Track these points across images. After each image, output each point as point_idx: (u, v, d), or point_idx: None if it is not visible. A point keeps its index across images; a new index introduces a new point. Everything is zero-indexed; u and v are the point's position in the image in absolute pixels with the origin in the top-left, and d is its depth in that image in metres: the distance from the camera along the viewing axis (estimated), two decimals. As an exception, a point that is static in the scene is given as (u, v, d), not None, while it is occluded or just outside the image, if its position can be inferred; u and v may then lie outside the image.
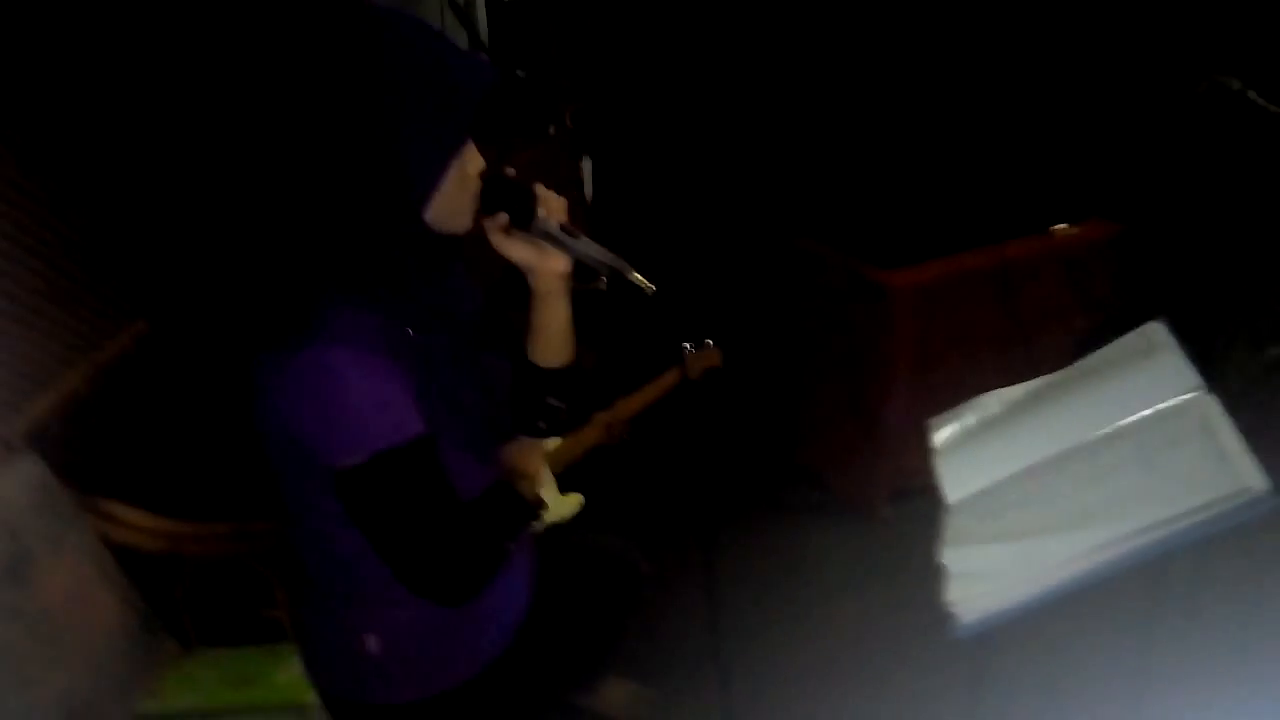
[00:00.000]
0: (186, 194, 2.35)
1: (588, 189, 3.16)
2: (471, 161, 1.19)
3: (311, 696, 1.64)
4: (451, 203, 1.18)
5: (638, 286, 1.27)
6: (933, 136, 3.11)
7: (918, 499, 1.57)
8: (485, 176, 1.21)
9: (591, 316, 1.68)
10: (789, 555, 2.97)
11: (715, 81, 3.27)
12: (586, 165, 3.15)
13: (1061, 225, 3.05)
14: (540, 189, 1.26)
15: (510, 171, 1.24)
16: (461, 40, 3.24)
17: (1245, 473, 1.24)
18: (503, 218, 1.23)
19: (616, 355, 3.10)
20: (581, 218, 2.98)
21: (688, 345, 2.54)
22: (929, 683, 2.40)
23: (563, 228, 1.25)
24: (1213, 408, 1.37)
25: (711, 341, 2.57)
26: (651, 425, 2.54)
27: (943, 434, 1.71)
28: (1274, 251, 2.95)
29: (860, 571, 2.87)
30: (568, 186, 3.11)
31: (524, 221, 1.23)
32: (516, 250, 1.25)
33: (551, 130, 3.12)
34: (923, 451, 1.70)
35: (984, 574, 1.36)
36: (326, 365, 1.14)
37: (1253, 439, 1.31)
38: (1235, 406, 1.38)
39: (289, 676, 2.11)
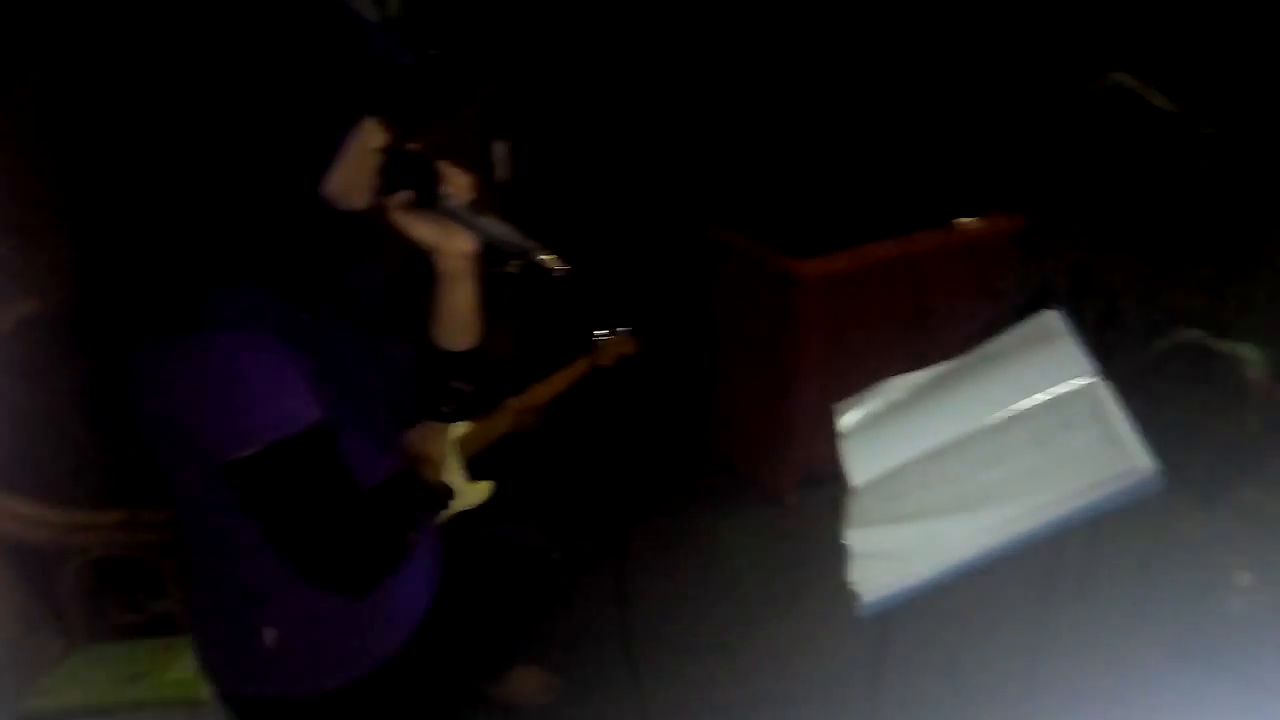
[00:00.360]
0: (69, 166, 2.23)
1: (501, 171, 3.12)
2: (372, 136, 1.14)
3: (206, 692, 1.59)
4: (350, 179, 1.14)
5: (547, 268, 1.25)
6: (843, 131, 3.16)
7: (828, 485, 1.59)
8: (387, 152, 1.17)
9: (505, 301, 1.65)
10: (700, 542, 2.99)
11: (633, 70, 3.25)
12: (500, 147, 3.10)
13: (965, 218, 3.14)
14: (446, 166, 1.22)
15: (414, 147, 1.20)
16: (372, 16, 3.16)
17: (1134, 455, 1.29)
18: (405, 195, 1.19)
19: (530, 341, 3.07)
20: (493, 200, 2.94)
21: (602, 332, 2.54)
22: (833, 663, 2.45)
23: (469, 206, 1.22)
24: (1104, 393, 1.42)
25: (625, 329, 2.57)
26: (565, 412, 2.53)
27: (848, 418, 1.74)
28: (1163, 246, 3.08)
29: (769, 557, 2.91)
30: (480, 168, 3.06)
31: (427, 199, 1.19)
32: (420, 229, 1.21)
33: (465, 110, 3.06)
34: (832, 438, 1.72)
35: (886, 554, 1.38)
36: (216, 352, 1.09)
37: (1142, 426, 1.36)
38: (1127, 395, 1.44)
39: (182, 672, 2.03)
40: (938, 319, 3.08)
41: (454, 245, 1.22)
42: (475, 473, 2.35)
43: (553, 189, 3.27)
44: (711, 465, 3.35)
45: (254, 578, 1.27)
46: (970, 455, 1.47)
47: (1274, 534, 2.89)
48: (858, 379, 1.83)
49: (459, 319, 1.28)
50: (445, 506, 1.42)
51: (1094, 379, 1.45)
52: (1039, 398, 1.47)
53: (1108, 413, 1.38)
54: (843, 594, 1.37)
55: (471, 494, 2.29)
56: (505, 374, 2.57)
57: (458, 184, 1.23)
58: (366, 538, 1.19)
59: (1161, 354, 3.12)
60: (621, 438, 3.33)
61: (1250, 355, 3.08)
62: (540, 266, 1.25)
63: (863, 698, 1.72)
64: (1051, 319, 1.64)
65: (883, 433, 1.65)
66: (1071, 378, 1.46)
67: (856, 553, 1.43)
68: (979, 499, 1.39)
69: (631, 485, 3.25)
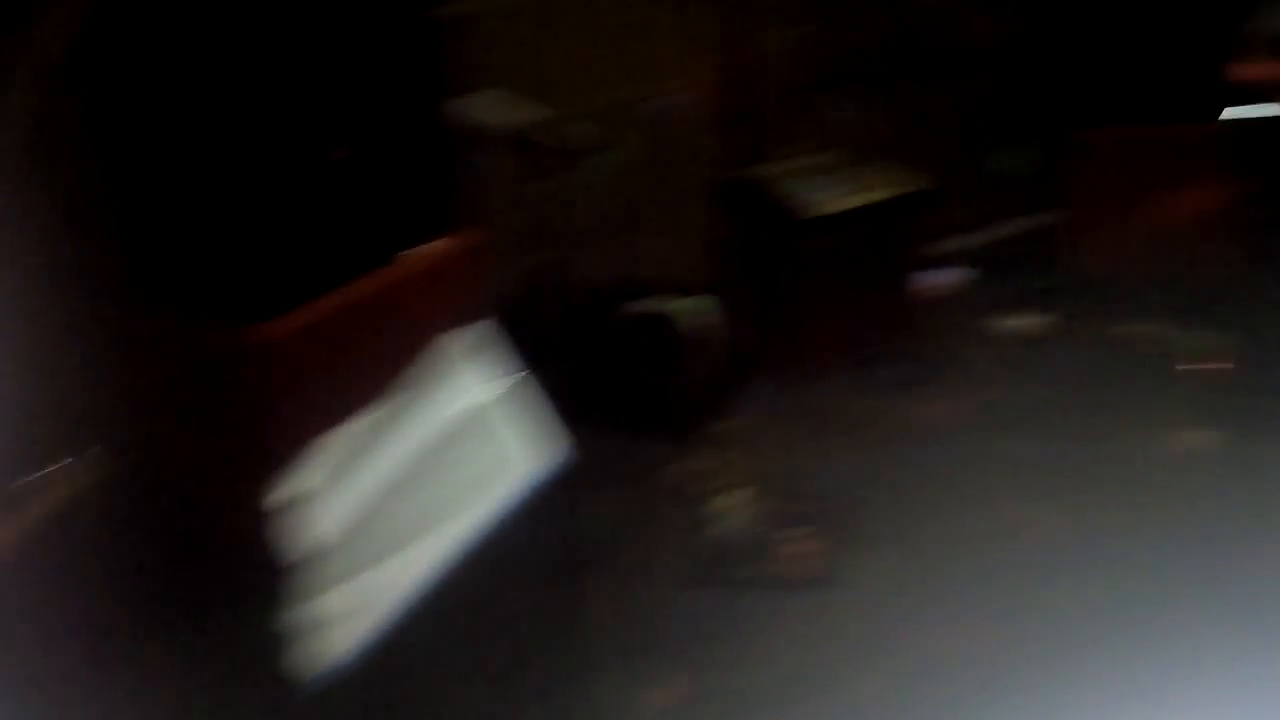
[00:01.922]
0: None
1: None
2: None
3: None
4: None
5: None
6: (257, 190, 3.05)
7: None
8: None
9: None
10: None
11: None
12: None
13: (410, 249, 3.20)
14: None
15: None
16: None
17: (539, 444, 1.42)
18: None
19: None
20: None
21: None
22: None
23: None
24: (508, 396, 1.55)
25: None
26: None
27: (298, 488, 1.70)
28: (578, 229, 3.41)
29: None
30: None
31: None
32: None
33: None
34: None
35: (343, 615, 1.38)
36: None
37: (609, 394, 1.49)
38: (595, 370, 1.55)
39: None
40: (410, 353, 3.12)
41: None
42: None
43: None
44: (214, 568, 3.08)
45: None
46: (408, 489, 1.51)
47: (750, 453, 3.37)
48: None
49: None
50: None
51: (495, 388, 1.57)
52: (455, 418, 1.55)
53: (514, 414, 1.50)
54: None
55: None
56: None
57: None
58: None
59: (614, 328, 3.47)
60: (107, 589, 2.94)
61: (681, 307, 3.55)
62: None
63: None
64: (458, 343, 1.75)
65: (331, 492, 1.64)
66: (477, 392, 1.56)
67: (332, 615, 1.41)
68: (423, 526, 1.44)
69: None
